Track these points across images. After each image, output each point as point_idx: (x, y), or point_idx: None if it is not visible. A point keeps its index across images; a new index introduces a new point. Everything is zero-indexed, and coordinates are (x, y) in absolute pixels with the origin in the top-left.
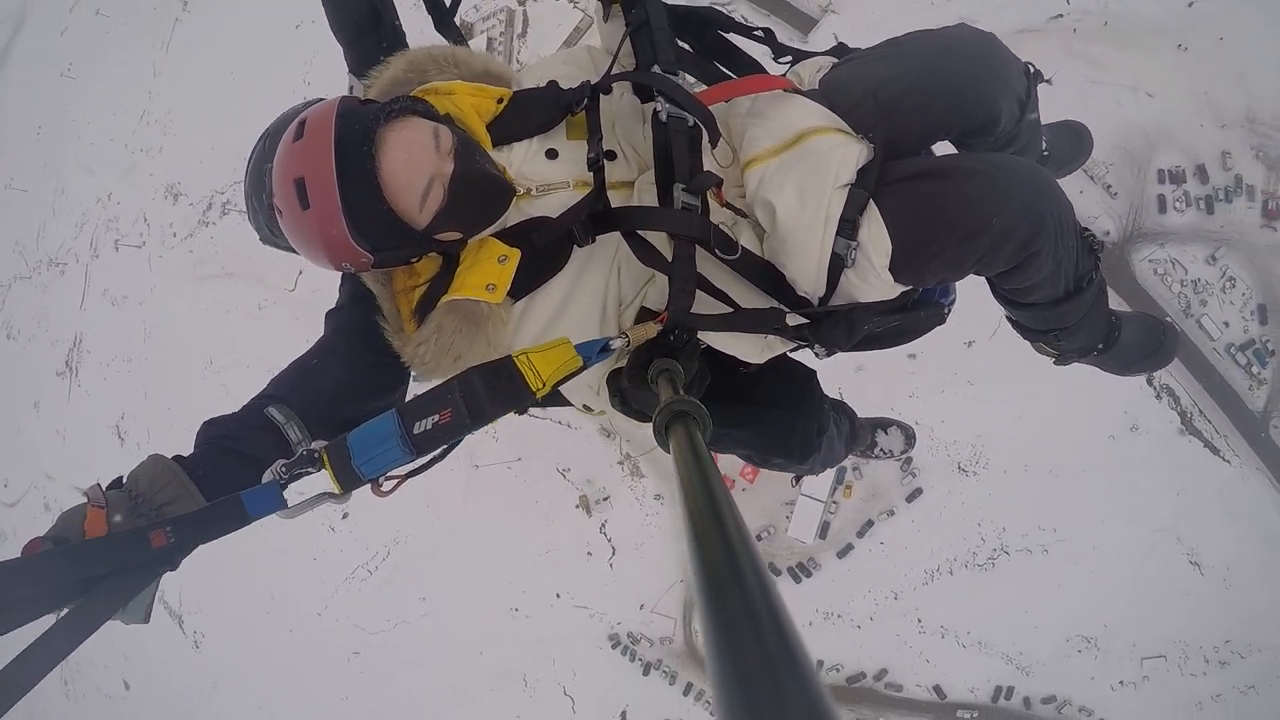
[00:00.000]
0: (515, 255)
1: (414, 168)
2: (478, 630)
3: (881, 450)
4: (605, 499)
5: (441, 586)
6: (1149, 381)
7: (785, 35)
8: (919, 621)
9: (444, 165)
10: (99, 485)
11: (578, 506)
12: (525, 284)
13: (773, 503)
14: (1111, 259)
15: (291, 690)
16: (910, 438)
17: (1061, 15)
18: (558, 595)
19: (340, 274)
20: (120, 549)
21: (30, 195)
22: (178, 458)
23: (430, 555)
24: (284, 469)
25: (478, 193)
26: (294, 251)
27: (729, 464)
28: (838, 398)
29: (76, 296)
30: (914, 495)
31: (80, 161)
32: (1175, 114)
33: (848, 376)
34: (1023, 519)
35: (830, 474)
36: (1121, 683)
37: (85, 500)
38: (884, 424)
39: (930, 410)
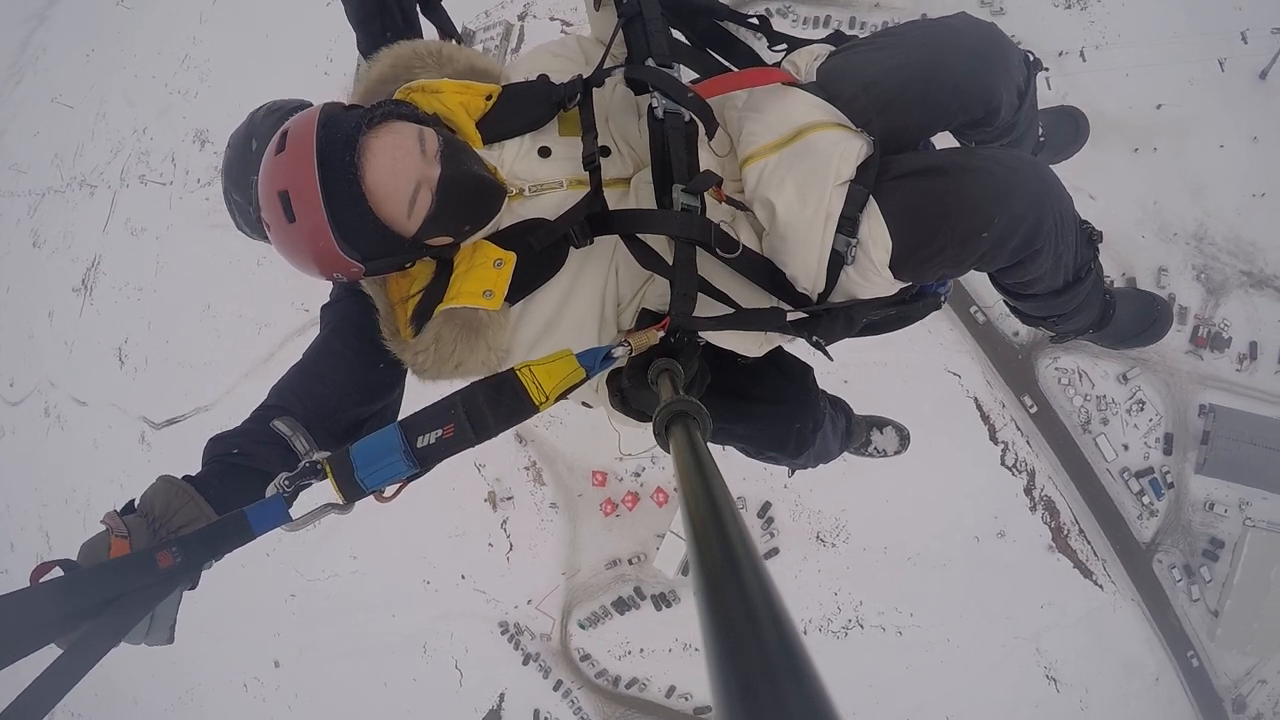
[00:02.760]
0: (511, 259)
1: (399, 174)
2: (394, 595)
3: (875, 449)
4: (509, 498)
5: (370, 550)
6: (1027, 492)
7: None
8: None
9: (430, 170)
10: (115, 513)
11: (485, 500)
12: (522, 287)
13: (647, 533)
14: (1018, 359)
15: (235, 619)
16: (905, 439)
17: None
18: (462, 576)
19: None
20: (129, 572)
21: (75, 113)
22: (187, 477)
23: (363, 520)
24: (287, 482)
25: (466, 196)
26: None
27: (613, 491)
28: (992, 401)
29: (101, 220)
30: (770, 554)
31: (123, 91)
32: (1118, 220)
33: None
34: (880, 598)
35: None
36: None
37: (105, 529)
38: (880, 423)
39: (799, 476)
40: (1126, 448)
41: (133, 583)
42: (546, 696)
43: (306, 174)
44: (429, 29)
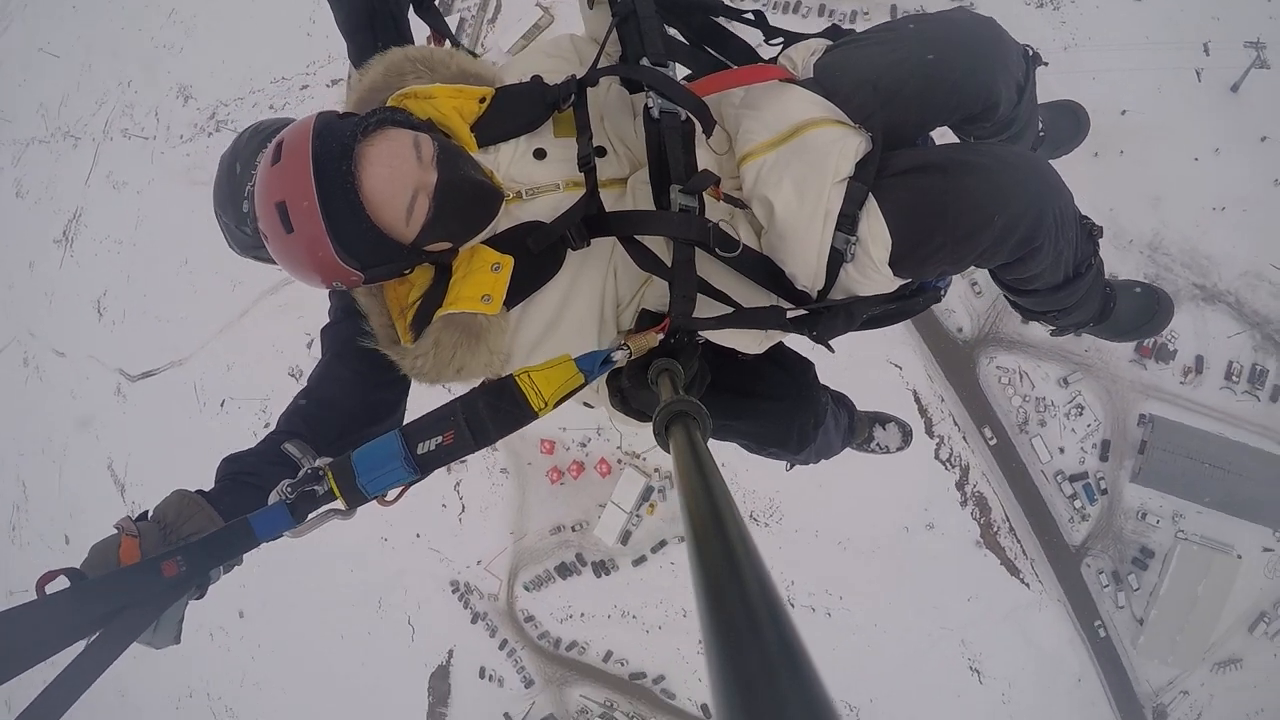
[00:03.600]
0: (509, 263)
1: (396, 181)
2: (355, 549)
3: (878, 445)
4: (463, 461)
5: None
6: (959, 487)
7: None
8: (700, 643)
9: (427, 175)
10: (129, 517)
11: None
12: (520, 290)
13: (590, 502)
14: (960, 356)
15: None
16: (907, 435)
17: None
18: (418, 535)
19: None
20: (134, 582)
21: (60, 63)
22: (200, 492)
23: None
24: (289, 488)
25: (464, 201)
26: (271, 262)
27: (560, 459)
28: (838, 390)
29: (84, 172)
30: None
31: (109, 42)
32: None
33: None
34: (810, 579)
35: (638, 488)
36: None
37: (117, 532)
38: (883, 419)
39: (736, 455)
40: (1062, 451)
41: (138, 592)
42: (492, 655)
43: (303, 184)
44: (421, 30)
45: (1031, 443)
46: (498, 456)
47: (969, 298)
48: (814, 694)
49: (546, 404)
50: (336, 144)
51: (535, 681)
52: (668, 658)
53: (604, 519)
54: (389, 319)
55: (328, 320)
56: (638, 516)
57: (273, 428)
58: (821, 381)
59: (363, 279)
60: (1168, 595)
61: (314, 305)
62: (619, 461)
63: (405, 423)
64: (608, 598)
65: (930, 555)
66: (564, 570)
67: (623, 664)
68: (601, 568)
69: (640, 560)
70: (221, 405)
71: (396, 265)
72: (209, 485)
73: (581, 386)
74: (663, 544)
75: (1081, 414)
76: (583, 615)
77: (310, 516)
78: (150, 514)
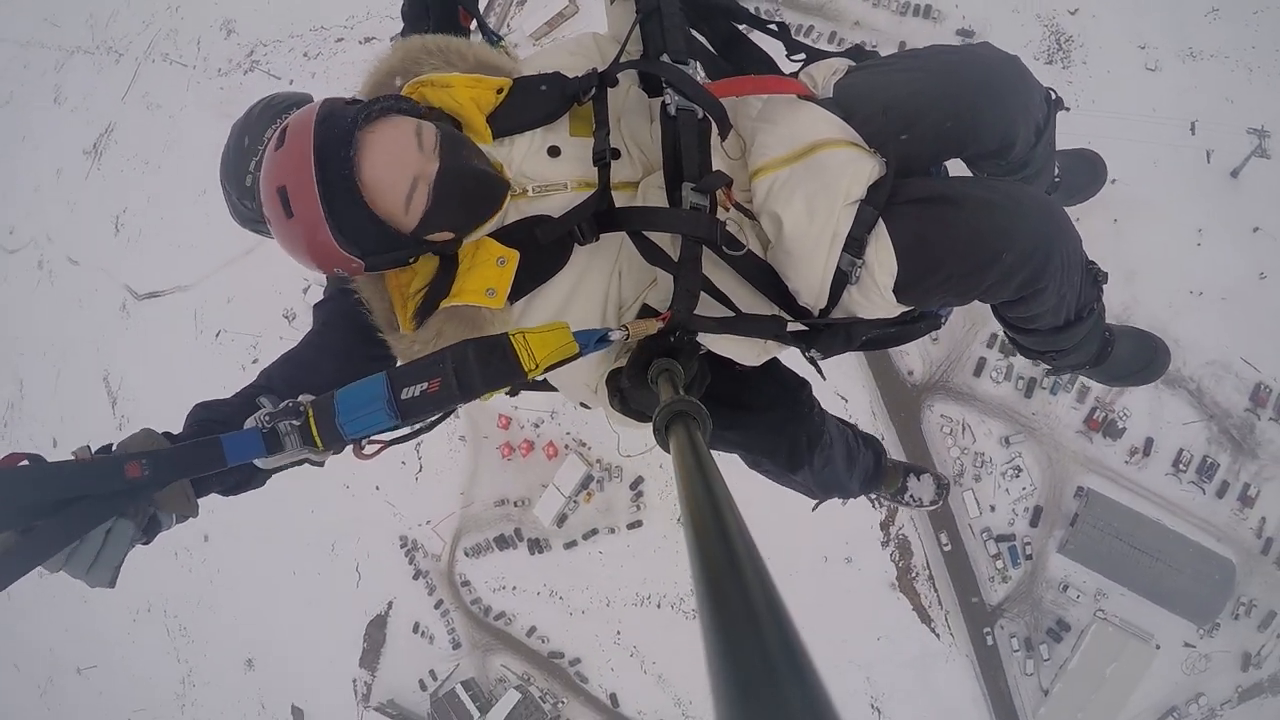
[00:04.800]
0: (514, 257)
1: (395, 169)
2: (317, 491)
3: (911, 497)
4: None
5: None
6: (884, 527)
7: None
8: (618, 633)
9: (428, 164)
10: (88, 447)
11: None
12: (525, 285)
13: (534, 481)
14: (907, 398)
15: None
16: (942, 488)
17: None
18: (377, 487)
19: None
20: (95, 474)
21: None
22: (168, 434)
23: None
24: (267, 417)
25: (465, 191)
26: (270, 237)
27: (513, 436)
28: (871, 432)
29: (122, 89)
30: (634, 525)
31: None
32: None
33: None
34: None
35: (579, 475)
36: None
37: (73, 459)
38: (917, 470)
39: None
40: (994, 509)
41: (96, 486)
42: (428, 613)
43: (304, 170)
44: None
45: (964, 495)
46: (458, 424)
47: (925, 344)
48: (816, 695)
49: (537, 366)
50: (339, 130)
51: (462, 644)
52: (586, 643)
53: (544, 499)
54: (389, 304)
55: (322, 297)
56: (575, 502)
57: (257, 375)
58: (826, 410)
59: (363, 266)
60: (1076, 671)
61: None
62: (565, 447)
63: (393, 368)
64: (539, 575)
65: (844, 588)
66: (502, 542)
67: (544, 641)
68: (536, 545)
69: (571, 544)
70: (217, 335)
71: (397, 254)
72: (200, 409)
73: (574, 357)
74: (594, 532)
75: (1019, 476)
76: (514, 589)
77: (281, 454)
78: (114, 447)
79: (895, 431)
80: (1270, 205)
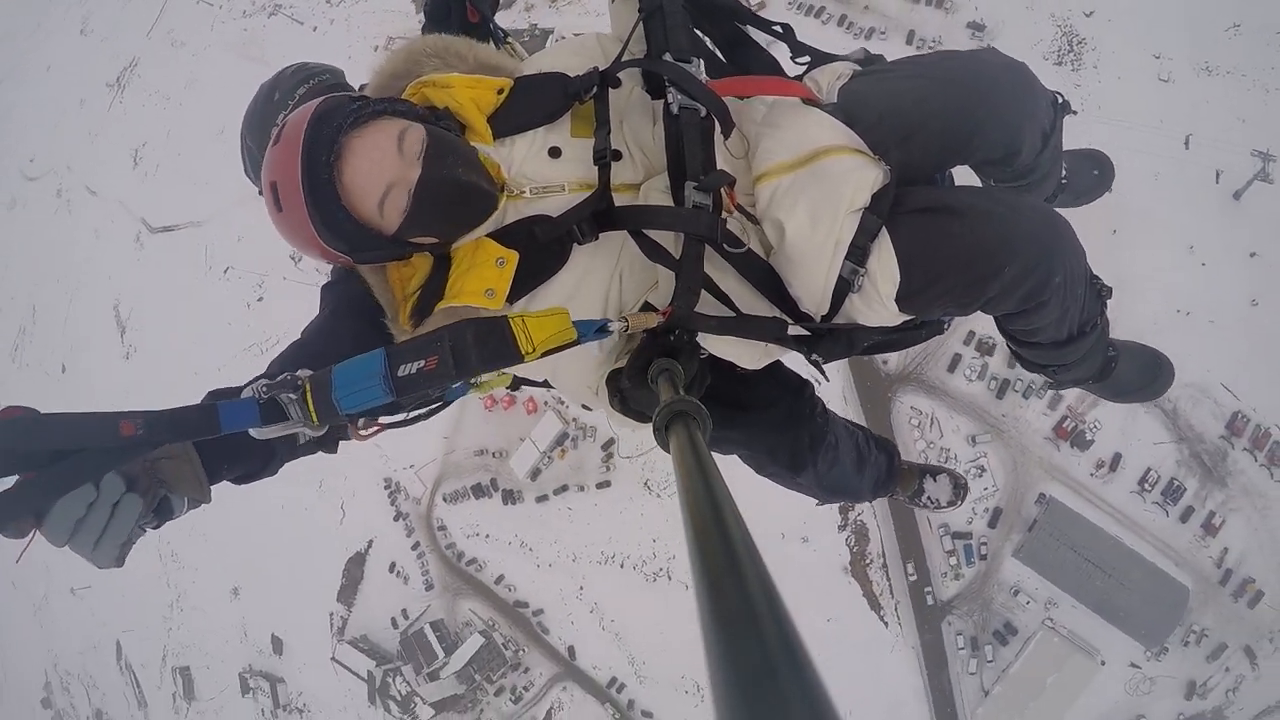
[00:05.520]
0: (513, 258)
1: (370, 175)
2: None
3: (928, 499)
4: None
5: None
6: (842, 511)
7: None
8: (581, 589)
9: (408, 170)
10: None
11: None
12: (524, 285)
13: (513, 433)
14: (879, 386)
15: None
16: (959, 488)
17: None
18: None
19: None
20: (90, 428)
21: None
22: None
23: None
24: (264, 388)
25: (446, 200)
26: None
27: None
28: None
29: (148, 23)
30: (603, 485)
31: None
32: None
33: None
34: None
35: (555, 431)
36: None
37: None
38: (933, 470)
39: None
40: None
41: (90, 441)
42: (405, 554)
43: (291, 170)
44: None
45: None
46: None
47: None
48: (816, 694)
49: (534, 349)
50: (327, 133)
51: (435, 587)
52: (551, 596)
53: (520, 452)
54: (392, 297)
55: (330, 280)
56: (549, 458)
57: (269, 364)
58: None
59: (351, 261)
60: (1018, 676)
61: None
62: (545, 403)
63: (392, 345)
64: (511, 526)
65: (798, 567)
66: (479, 491)
67: (511, 589)
68: (510, 496)
69: (543, 498)
70: (225, 272)
71: (384, 253)
72: (200, 346)
73: (572, 344)
74: (564, 488)
75: (982, 475)
76: (487, 536)
77: (276, 424)
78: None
79: (864, 418)
80: (1270, 231)
